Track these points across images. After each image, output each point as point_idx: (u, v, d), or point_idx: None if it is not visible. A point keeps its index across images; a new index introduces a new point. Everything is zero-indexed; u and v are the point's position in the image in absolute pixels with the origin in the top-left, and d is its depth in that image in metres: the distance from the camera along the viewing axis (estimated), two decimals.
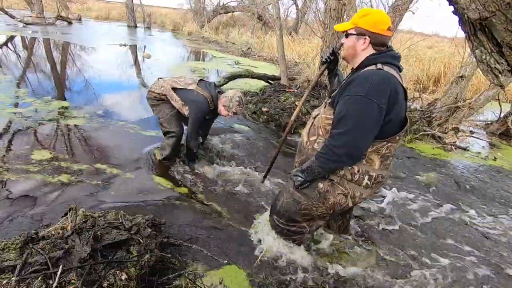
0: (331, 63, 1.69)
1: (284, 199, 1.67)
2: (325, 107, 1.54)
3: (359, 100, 1.29)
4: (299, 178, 1.54)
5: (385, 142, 1.41)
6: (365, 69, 1.38)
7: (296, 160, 1.74)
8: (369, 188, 1.52)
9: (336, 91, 1.46)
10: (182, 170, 2.64)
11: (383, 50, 1.42)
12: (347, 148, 1.35)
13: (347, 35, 1.46)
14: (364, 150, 1.38)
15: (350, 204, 1.56)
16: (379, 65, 1.35)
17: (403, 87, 1.37)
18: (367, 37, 1.39)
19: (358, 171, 1.46)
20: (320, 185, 1.54)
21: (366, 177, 1.47)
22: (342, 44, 1.51)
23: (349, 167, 1.46)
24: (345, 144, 1.34)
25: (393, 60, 1.40)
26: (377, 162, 1.46)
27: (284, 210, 1.67)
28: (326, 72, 1.77)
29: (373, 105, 1.28)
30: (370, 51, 1.42)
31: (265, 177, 2.42)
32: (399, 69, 1.42)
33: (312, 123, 1.60)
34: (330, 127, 1.45)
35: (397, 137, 1.42)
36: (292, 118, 2.04)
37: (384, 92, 1.29)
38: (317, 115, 1.59)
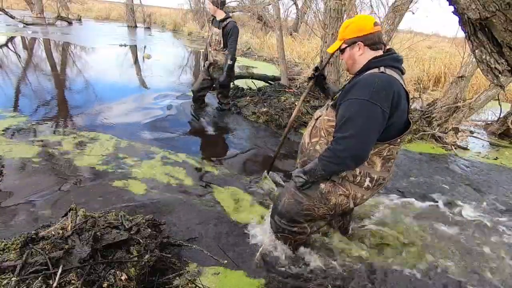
0: (317, 78, 1.73)
1: (285, 200, 1.67)
2: (327, 109, 1.55)
3: (363, 104, 1.29)
4: (301, 179, 1.54)
5: (386, 145, 1.41)
6: (368, 72, 1.38)
7: (297, 161, 1.74)
8: (370, 189, 1.52)
9: (339, 93, 1.46)
10: (182, 168, 2.64)
11: (382, 50, 1.43)
12: (351, 152, 1.35)
13: (341, 51, 1.51)
14: (367, 153, 1.39)
15: (351, 205, 1.57)
16: (382, 68, 1.35)
17: (405, 90, 1.37)
18: (359, 42, 1.42)
19: (360, 172, 1.47)
20: (322, 185, 1.54)
21: (368, 179, 1.48)
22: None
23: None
24: (349, 148, 1.34)
25: (396, 63, 1.41)
26: (378, 164, 1.46)
27: (285, 211, 1.67)
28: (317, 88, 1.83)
29: (377, 109, 1.28)
30: (369, 52, 1.43)
31: (267, 173, 2.44)
32: (401, 72, 1.43)
33: (314, 124, 1.60)
34: (332, 129, 1.46)
35: (399, 140, 1.42)
36: (291, 119, 2.06)
37: (387, 96, 1.29)
38: (319, 116, 1.59)
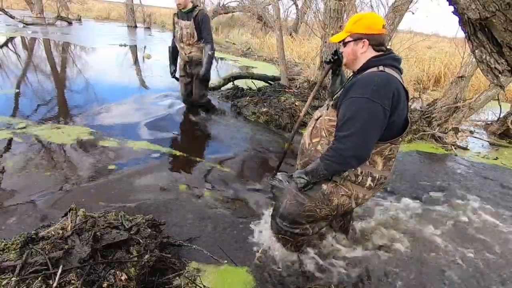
0: (334, 63, 1.71)
1: (287, 202, 1.67)
2: (327, 109, 1.55)
3: (364, 102, 1.29)
4: (303, 180, 1.53)
5: (388, 144, 1.42)
6: (367, 71, 1.38)
7: (298, 162, 1.73)
8: (372, 189, 1.52)
9: (339, 93, 1.46)
10: (182, 168, 2.64)
11: (383, 52, 1.43)
12: (354, 151, 1.35)
13: (344, 44, 1.48)
14: (370, 152, 1.39)
15: (354, 205, 1.57)
16: (381, 67, 1.36)
17: (404, 88, 1.38)
18: (365, 40, 1.40)
19: (361, 172, 1.47)
20: (324, 186, 1.54)
21: (369, 178, 1.48)
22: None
23: (353, 169, 1.47)
24: (352, 147, 1.34)
25: (394, 62, 1.41)
26: (380, 163, 1.46)
27: (287, 213, 1.67)
28: (329, 72, 1.79)
29: (378, 107, 1.28)
30: (371, 52, 1.43)
31: (275, 173, 2.45)
32: (400, 71, 1.43)
33: (314, 125, 1.60)
34: (333, 129, 1.46)
35: (400, 139, 1.43)
36: (302, 113, 2.07)
37: (388, 94, 1.29)
38: (319, 117, 1.59)
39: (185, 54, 3.48)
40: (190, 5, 3.29)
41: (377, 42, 1.41)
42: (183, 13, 3.34)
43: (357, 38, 1.41)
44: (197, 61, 3.50)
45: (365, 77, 1.35)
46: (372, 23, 1.39)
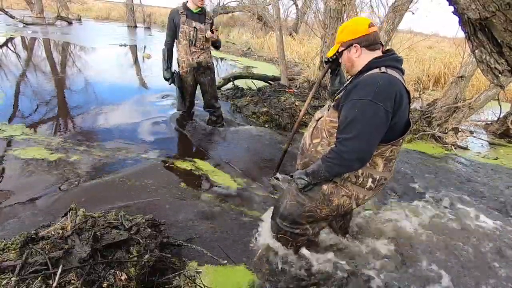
0: (333, 62, 1.71)
1: (287, 202, 1.67)
2: (328, 110, 1.55)
3: (366, 104, 1.29)
4: (303, 181, 1.53)
5: (389, 145, 1.41)
6: (369, 72, 1.38)
7: (298, 162, 1.73)
8: (373, 190, 1.53)
9: (341, 94, 1.46)
10: (182, 168, 2.64)
11: (379, 49, 1.43)
12: (356, 154, 1.34)
13: (340, 54, 1.53)
14: (371, 154, 1.38)
15: (354, 206, 1.57)
16: (383, 69, 1.35)
17: (406, 90, 1.37)
18: (355, 44, 1.43)
19: (362, 173, 1.47)
20: (324, 187, 1.54)
21: (370, 180, 1.48)
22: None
23: None
24: (354, 150, 1.33)
25: (396, 63, 1.41)
26: (380, 165, 1.46)
27: (288, 213, 1.67)
28: (328, 72, 1.80)
29: (380, 109, 1.28)
30: (365, 53, 1.43)
31: (275, 172, 2.45)
32: (402, 72, 1.43)
33: (315, 125, 1.60)
34: (334, 130, 1.46)
35: (401, 140, 1.43)
36: (301, 113, 2.07)
37: (390, 96, 1.29)
38: (320, 117, 1.58)
39: (192, 60, 3.18)
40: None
41: (367, 42, 1.42)
42: (194, 13, 3.00)
43: (348, 45, 1.46)
44: (206, 66, 3.27)
45: (367, 79, 1.34)
46: (356, 26, 1.43)
